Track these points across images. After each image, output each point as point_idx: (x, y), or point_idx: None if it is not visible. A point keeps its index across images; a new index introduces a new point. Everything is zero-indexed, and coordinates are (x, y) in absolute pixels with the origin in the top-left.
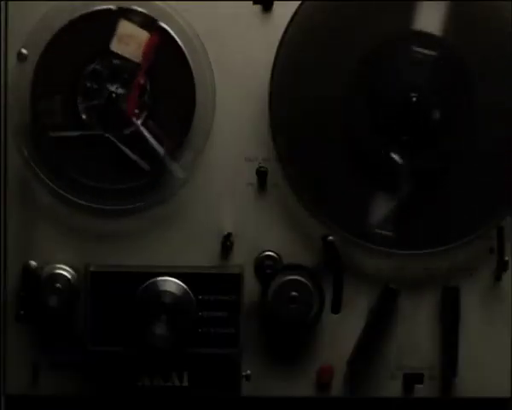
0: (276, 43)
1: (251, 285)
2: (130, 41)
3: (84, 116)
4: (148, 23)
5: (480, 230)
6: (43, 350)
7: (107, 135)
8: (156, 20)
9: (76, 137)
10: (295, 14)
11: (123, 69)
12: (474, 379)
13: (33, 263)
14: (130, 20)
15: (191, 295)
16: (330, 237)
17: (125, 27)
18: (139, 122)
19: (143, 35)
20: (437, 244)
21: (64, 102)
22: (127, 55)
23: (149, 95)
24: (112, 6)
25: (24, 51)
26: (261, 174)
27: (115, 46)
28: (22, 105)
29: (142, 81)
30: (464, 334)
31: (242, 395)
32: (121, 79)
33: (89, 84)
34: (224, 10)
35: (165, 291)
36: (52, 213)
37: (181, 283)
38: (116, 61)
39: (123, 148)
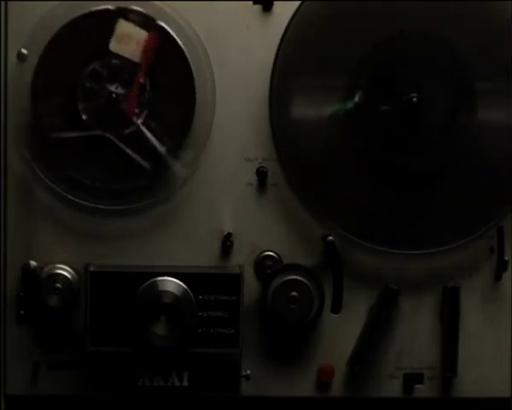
0: (276, 43)
1: (251, 285)
2: (129, 41)
3: (84, 116)
4: (147, 22)
5: (479, 230)
6: (43, 350)
7: (107, 135)
8: (155, 20)
9: (76, 138)
10: (295, 14)
11: (122, 69)
12: (474, 379)
13: (33, 263)
14: (128, 19)
15: (191, 295)
16: (330, 237)
17: (124, 27)
18: (139, 121)
19: (142, 34)
20: (437, 244)
21: (64, 103)
22: (126, 55)
23: (149, 95)
24: (110, 6)
25: (24, 51)
26: (261, 174)
27: (114, 46)
28: (22, 105)
29: (142, 80)
30: (464, 334)
31: (242, 395)
32: (121, 79)
33: (88, 85)
34: (224, 10)
35: (165, 291)
36: (52, 213)
37: (181, 283)
38: (115, 61)
39: (123, 147)
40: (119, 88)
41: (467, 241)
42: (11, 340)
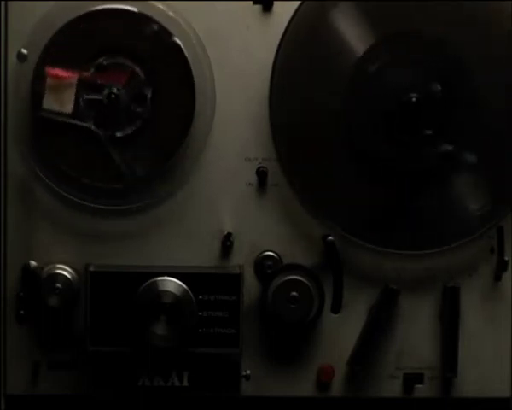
0: (276, 43)
1: (251, 285)
2: (58, 89)
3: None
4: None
5: (479, 230)
6: (43, 350)
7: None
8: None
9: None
10: (295, 14)
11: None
12: (474, 379)
13: (33, 263)
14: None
15: (191, 295)
16: (330, 237)
17: (50, 97)
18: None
19: (53, 79)
20: (437, 244)
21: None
22: (73, 91)
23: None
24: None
25: (24, 51)
26: (261, 174)
27: (66, 102)
28: (22, 105)
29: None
30: (464, 334)
31: (242, 395)
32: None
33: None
34: (224, 10)
35: (165, 291)
36: (52, 213)
37: (181, 283)
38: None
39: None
40: (116, 88)
41: (467, 241)
42: (11, 340)
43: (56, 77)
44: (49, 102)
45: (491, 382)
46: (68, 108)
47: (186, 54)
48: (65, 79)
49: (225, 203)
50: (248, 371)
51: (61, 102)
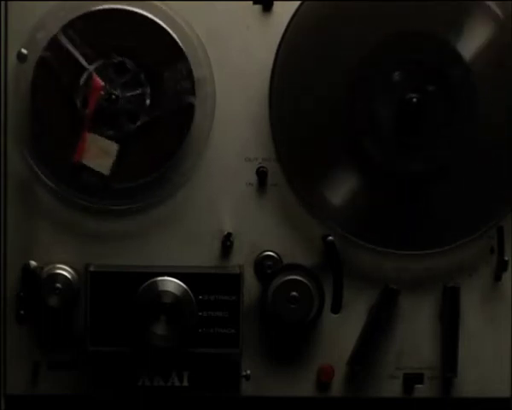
0: (276, 43)
1: (251, 285)
2: (96, 153)
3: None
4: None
5: (479, 230)
6: (43, 350)
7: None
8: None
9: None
10: (295, 14)
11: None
12: (474, 379)
13: (33, 263)
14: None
15: (191, 295)
16: (330, 237)
17: (90, 157)
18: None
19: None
20: (437, 244)
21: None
22: (103, 140)
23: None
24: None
25: (24, 51)
26: (261, 174)
27: (109, 151)
28: (22, 105)
29: (87, 118)
30: (464, 334)
31: (242, 395)
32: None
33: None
34: (224, 10)
35: (165, 291)
36: (52, 213)
37: (181, 283)
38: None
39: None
40: (118, 89)
41: (467, 241)
42: (11, 340)
43: (83, 150)
44: (103, 166)
45: (491, 382)
46: (113, 148)
47: (186, 54)
48: (85, 142)
49: (225, 203)
50: (248, 371)
51: (105, 154)
